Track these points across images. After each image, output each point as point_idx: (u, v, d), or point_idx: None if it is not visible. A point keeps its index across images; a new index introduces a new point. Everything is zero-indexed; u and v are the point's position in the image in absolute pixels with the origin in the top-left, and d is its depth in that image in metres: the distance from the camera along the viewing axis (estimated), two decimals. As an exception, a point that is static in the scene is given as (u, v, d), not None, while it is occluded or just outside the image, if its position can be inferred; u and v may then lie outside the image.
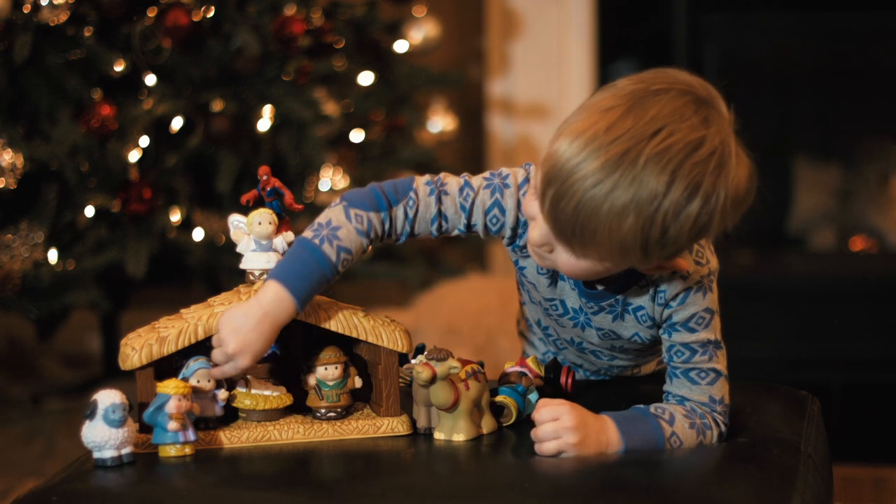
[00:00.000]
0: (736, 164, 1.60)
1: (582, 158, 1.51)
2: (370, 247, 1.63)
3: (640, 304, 1.68)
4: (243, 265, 1.60)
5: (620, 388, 1.82)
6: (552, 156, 1.53)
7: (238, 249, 1.61)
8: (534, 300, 1.77)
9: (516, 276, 1.76)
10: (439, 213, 1.64)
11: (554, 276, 1.71)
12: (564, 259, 1.58)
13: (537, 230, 1.59)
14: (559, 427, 1.54)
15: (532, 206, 1.59)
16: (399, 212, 1.62)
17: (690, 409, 1.63)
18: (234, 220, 1.61)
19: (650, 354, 1.83)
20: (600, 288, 1.69)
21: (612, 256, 1.53)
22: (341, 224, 1.58)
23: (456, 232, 1.67)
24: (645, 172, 1.49)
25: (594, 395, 1.78)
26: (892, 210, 3.64)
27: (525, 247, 1.67)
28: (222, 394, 1.59)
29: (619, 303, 1.69)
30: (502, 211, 1.67)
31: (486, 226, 1.67)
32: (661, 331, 1.68)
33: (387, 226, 1.61)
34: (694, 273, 1.64)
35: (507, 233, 1.68)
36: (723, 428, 1.62)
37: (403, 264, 3.26)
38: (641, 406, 1.63)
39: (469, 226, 1.66)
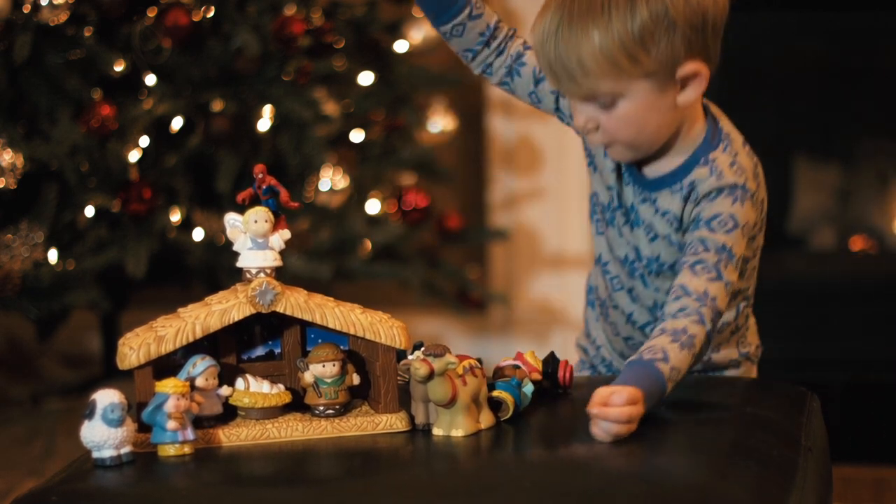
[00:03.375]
0: None
1: (543, 27, 1.76)
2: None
3: (667, 208, 1.81)
4: (240, 263, 1.61)
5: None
6: (533, 36, 1.78)
7: (235, 248, 1.61)
8: (601, 204, 1.92)
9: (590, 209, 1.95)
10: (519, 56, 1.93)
11: (618, 167, 1.87)
12: (605, 120, 1.76)
13: (576, 114, 1.78)
14: (635, 414, 1.57)
15: (562, 102, 1.86)
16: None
17: (675, 332, 1.68)
18: (231, 218, 1.61)
19: None
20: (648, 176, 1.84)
21: (607, 73, 1.72)
22: None
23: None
24: None
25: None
26: (893, 210, 3.64)
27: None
28: (225, 391, 1.60)
29: (651, 201, 1.83)
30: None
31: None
32: (687, 232, 1.79)
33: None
34: (728, 173, 1.77)
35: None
36: (709, 326, 1.70)
37: (403, 264, 3.26)
38: (635, 358, 1.66)
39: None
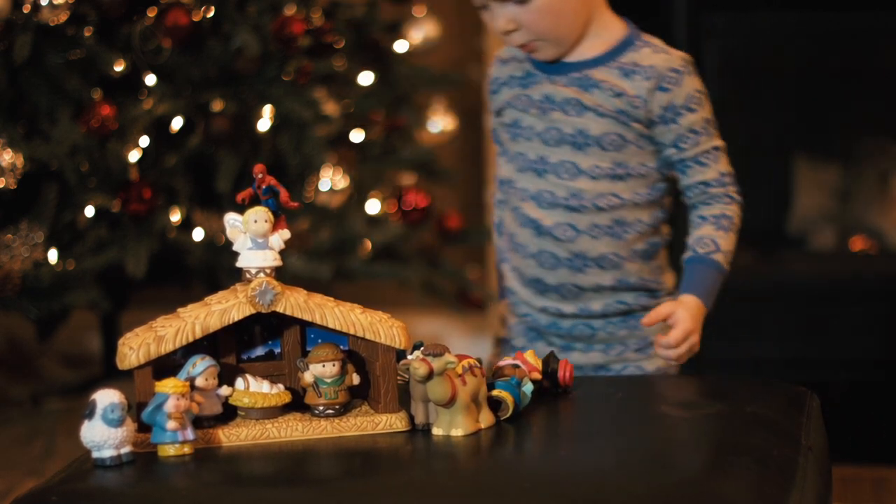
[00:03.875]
0: None
1: None
2: None
3: (607, 80, 1.92)
4: (240, 263, 1.60)
5: (626, 387, 1.82)
6: None
7: (234, 248, 1.61)
8: (508, 125, 2.01)
9: (501, 135, 2.06)
10: None
11: (523, 80, 1.98)
12: (526, 16, 1.87)
13: (497, 18, 1.89)
14: (694, 342, 1.90)
15: (485, 20, 1.93)
16: None
17: (716, 220, 1.95)
18: (230, 218, 1.61)
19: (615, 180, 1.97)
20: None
21: None
22: None
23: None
24: None
25: (596, 392, 1.79)
26: (892, 210, 3.64)
27: (500, 87, 2.02)
28: (225, 390, 1.60)
29: (583, 75, 1.93)
30: (490, 101, 2.06)
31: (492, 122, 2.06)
32: (664, 126, 1.92)
33: None
34: (673, 52, 1.94)
35: (493, 90, 2.04)
36: (737, 198, 1.98)
37: (403, 264, 3.26)
38: (691, 255, 1.94)
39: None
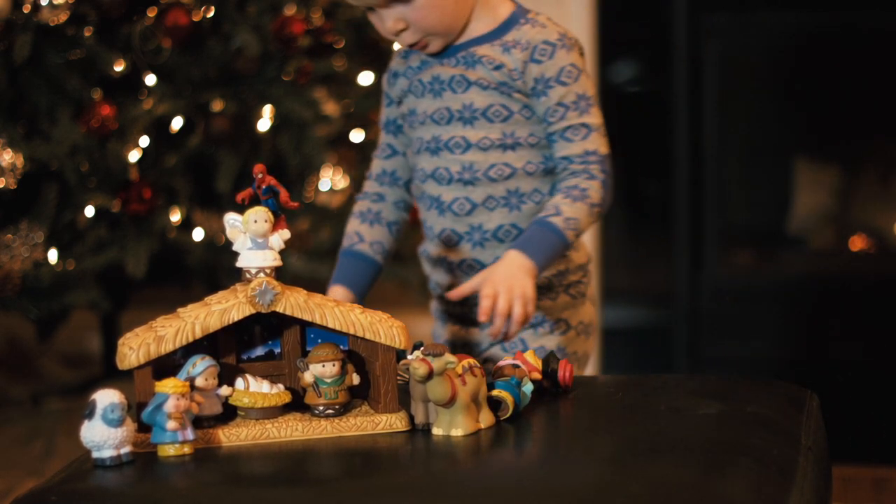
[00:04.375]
0: None
1: None
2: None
3: (488, 55, 1.94)
4: (240, 263, 1.60)
5: (626, 387, 1.82)
6: None
7: (234, 248, 1.61)
8: (408, 113, 2.03)
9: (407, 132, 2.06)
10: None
11: (417, 69, 2.00)
12: (412, 14, 1.89)
13: (385, 20, 1.91)
14: (515, 307, 1.82)
15: (375, 24, 1.93)
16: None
17: (567, 189, 1.93)
18: (230, 218, 1.61)
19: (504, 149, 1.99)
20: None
21: None
22: None
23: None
24: None
25: (596, 392, 1.79)
26: (893, 210, 3.64)
27: (397, 78, 2.03)
28: (224, 390, 1.60)
29: (468, 52, 1.95)
30: (384, 93, 2.07)
31: (386, 114, 2.08)
32: (537, 97, 1.94)
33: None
34: (551, 26, 1.96)
35: (392, 84, 2.05)
36: (599, 176, 1.95)
37: (403, 264, 3.26)
38: (535, 218, 1.91)
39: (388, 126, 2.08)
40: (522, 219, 1.98)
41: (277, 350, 1.66)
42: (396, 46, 2.09)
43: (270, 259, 1.60)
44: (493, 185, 1.98)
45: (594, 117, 1.97)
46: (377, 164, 2.11)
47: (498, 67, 1.95)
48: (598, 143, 1.97)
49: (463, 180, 1.98)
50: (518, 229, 1.98)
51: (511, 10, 2.00)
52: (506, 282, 1.83)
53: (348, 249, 2.08)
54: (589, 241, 3.67)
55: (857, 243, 3.65)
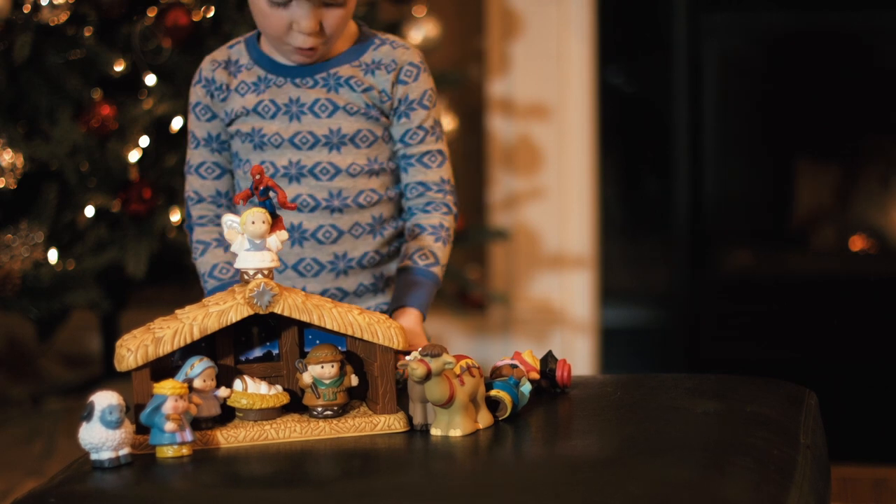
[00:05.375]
0: None
1: None
2: None
3: (353, 76, 1.93)
4: (238, 265, 1.60)
5: (624, 386, 1.82)
6: None
7: (232, 249, 1.61)
8: (247, 134, 1.96)
9: (234, 148, 1.99)
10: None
11: (258, 86, 1.94)
12: (332, 17, 1.87)
13: (305, 18, 1.85)
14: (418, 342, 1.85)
15: (273, 16, 1.87)
16: None
17: (434, 227, 1.95)
18: (228, 219, 1.61)
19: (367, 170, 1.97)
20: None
21: None
22: None
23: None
24: None
25: (595, 392, 1.79)
26: (892, 210, 3.64)
27: (229, 93, 1.95)
28: (223, 392, 1.60)
29: (330, 75, 1.93)
30: (196, 104, 1.97)
31: (206, 128, 1.98)
32: (395, 118, 1.95)
33: None
34: (413, 48, 1.97)
35: (218, 95, 1.96)
36: (455, 210, 1.98)
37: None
38: (411, 265, 1.93)
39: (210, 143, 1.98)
40: (383, 245, 1.98)
41: (275, 351, 1.66)
42: (232, 53, 1.99)
43: (268, 260, 1.60)
44: (361, 212, 1.96)
45: (446, 146, 2.00)
46: (208, 185, 1.99)
47: (367, 90, 1.93)
48: (450, 173, 2.00)
49: (331, 207, 1.94)
50: (380, 255, 1.98)
51: (356, 28, 1.99)
52: (420, 338, 1.88)
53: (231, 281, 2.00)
54: (589, 241, 3.67)
55: (857, 243, 3.65)
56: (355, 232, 1.96)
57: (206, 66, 1.98)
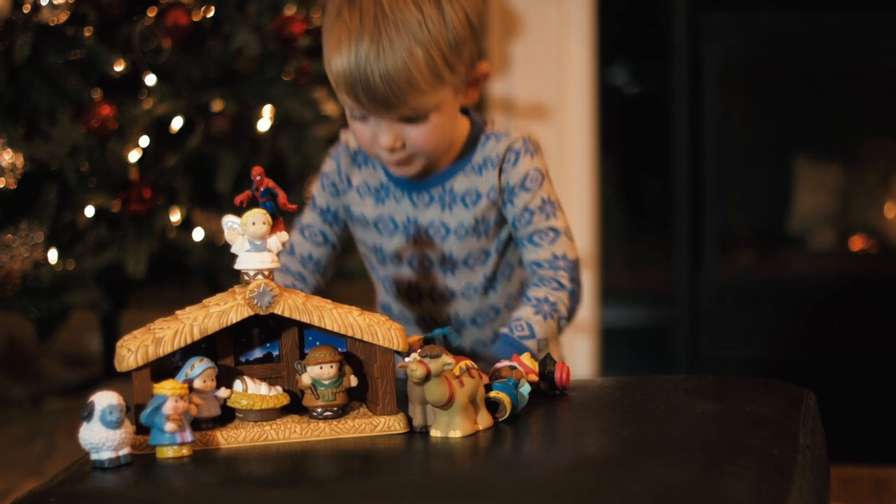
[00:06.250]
0: None
1: (355, 55, 1.80)
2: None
3: (467, 188, 1.92)
4: (238, 266, 1.60)
5: (623, 387, 1.82)
6: (336, 74, 1.83)
7: (233, 250, 1.61)
8: (371, 247, 2.00)
9: (361, 249, 2.04)
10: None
11: (379, 193, 1.96)
12: (415, 134, 1.85)
13: (382, 134, 1.85)
14: None
15: (356, 129, 1.88)
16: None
17: (537, 303, 1.89)
18: (228, 220, 1.61)
19: (479, 264, 1.98)
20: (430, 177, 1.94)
21: (431, 86, 1.82)
22: None
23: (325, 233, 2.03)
24: (397, 15, 1.80)
25: (594, 393, 1.79)
26: (892, 210, 3.64)
27: (350, 187, 1.97)
28: (223, 392, 1.60)
29: (446, 191, 1.92)
30: (326, 175, 1.99)
31: (327, 200, 2.00)
32: (504, 206, 1.93)
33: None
34: (512, 132, 1.94)
35: (341, 184, 1.98)
36: (569, 285, 1.91)
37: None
38: (507, 332, 1.87)
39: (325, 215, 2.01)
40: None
41: (276, 352, 1.66)
42: (348, 133, 1.98)
43: (269, 261, 1.60)
44: (479, 329, 2.00)
45: (561, 221, 1.96)
46: (304, 246, 2.03)
47: (476, 200, 1.93)
48: (566, 248, 1.95)
49: (452, 326, 1.97)
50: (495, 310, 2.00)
51: (468, 125, 1.97)
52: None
53: None
54: (589, 241, 3.67)
55: (857, 243, 3.65)
56: (476, 347, 2.00)
57: (342, 148, 2.00)
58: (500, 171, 1.92)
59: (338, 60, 1.82)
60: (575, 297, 1.93)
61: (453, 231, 1.93)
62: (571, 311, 1.92)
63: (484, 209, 1.93)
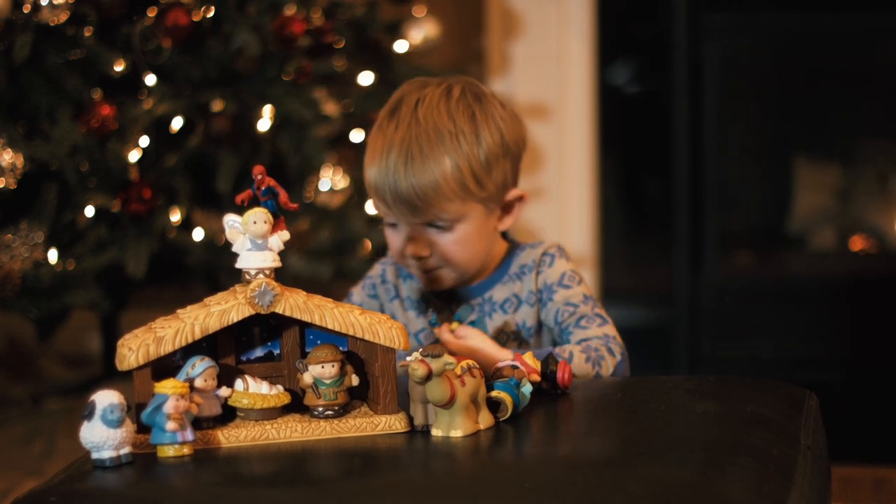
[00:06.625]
0: (492, 96, 1.95)
1: (386, 160, 1.87)
2: None
3: (507, 296, 1.95)
4: (239, 264, 1.60)
5: (624, 387, 1.82)
6: (369, 179, 1.91)
7: (234, 249, 1.61)
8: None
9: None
10: None
11: (420, 306, 2.00)
12: (442, 243, 1.89)
13: (409, 241, 1.90)
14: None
15: (388, 236, 1.93)
16: None
17: (587, 346, 1.87)
18: (230, 219, 1.61)
19: None
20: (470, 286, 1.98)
21: (457, 195, 1.86)
22: None
23: None
24: (430, 125, 1.86)
25: (595, 393, 1.79)
26: (892, 210, 3.64)
27: (396, 297, 2.01)
28: (224, 391, 1.60)
29: (485, 300, 1.97)
30: (370, 277, 2.05)
31: (362, 299, 2.04)
32: (542, 306, 1.94)
33: None
34: (546, 242, 1.98)
35: (386, 293, 2.03)
36: (619, 357, 1.88)
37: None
38: (548, 348, 1.89)
39: None
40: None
41: (277, 351, 1.66)
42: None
43: (270, 260, 1.60)
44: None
45: (603, 312, 1.95)
46: None
47: (518, 307, 1.96)
48: (616, 332, 1.93)
49: None
50: None
51: (506, 246, 2.01)
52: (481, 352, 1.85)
53: None
54: (589, 241, 3.67)
55: (857, 243, 3.66)
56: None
57: (389, 258, 2.04)
58: (537, 273, 1.95)
59: (371, 166, 1.90)
60: (620, 370, 1.90)
61: (493, 338, 1.94)
62: (608, 371, 1.88)
63: (524, 314, 1.96)
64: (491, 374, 1.69)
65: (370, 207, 3.24)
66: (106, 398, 1.50)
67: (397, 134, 1.88)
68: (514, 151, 1.94)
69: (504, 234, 2.02)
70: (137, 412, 1.54)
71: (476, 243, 1.92)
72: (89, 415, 1.50)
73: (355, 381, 1.63)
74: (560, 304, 1.93)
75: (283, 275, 1.63)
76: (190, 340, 1.56)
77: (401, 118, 1.90)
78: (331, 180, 3.14)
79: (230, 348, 1.64)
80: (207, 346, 1.61)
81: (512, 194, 1.96)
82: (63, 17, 2.72)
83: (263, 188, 1.61)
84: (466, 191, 1.87)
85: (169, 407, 1.51)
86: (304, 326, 1.65)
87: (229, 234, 1.61)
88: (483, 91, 1.95)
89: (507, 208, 1.97)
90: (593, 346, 1.88)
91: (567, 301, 1.93)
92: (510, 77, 3.70)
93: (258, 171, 1.61)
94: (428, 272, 1.94)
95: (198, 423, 1.57)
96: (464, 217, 1.89)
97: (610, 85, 3.68)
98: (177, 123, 2.91)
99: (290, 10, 3.00)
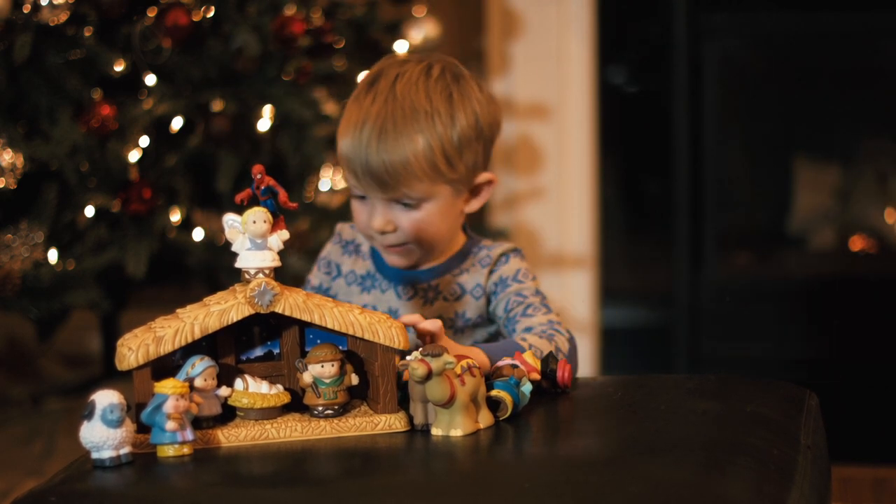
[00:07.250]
0: (471, 78, 1.97)
1: (360, 134, 1.87)
2: None
3: (452, 287, 1.96)
4: (239, 264, 1.60)
5: (625, 387, 1.82)
6: (341, 151, 1.90)
7: (233, 248, 1.61)
8: None
9: None
10: None
11: (365, 282, 1.99)
12: (407, 220, 1.90)
13: (376, 215, 1.90)
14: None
15: (355, 208, 1.93)
16: None
17: (541, 330, 1.87)
18: (229, 219, 1.61)
19: None
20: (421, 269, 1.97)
21: (427, 175, 1.87)
22: None
23: None
24: (406, 102, 1.87)
25: (595, 392, 1.79)
26: (893, 210, 3.64)
27: (339, 275, 2.01)
28: (224, 391, 1.60)
29: (430, 287, 1.97)
30: (323, 258, 2.03)
31: (321, 279, 2.02)
32: (490, 298, 1.95)
33: None
34: (503, 242, 2.00)
35: (332, 271, 2.02)
36: (566, 335, 1.88)
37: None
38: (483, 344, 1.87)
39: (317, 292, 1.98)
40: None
41: (276, 351, 1.66)
42: (358, 236, 2.02)
43: (269, 260, 1.60)
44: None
45: (553, 310, 1.95)
46: None
47: (460, 296, 1.96)
48: (562, 321, 1.94)
49: None
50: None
51: (464, 238, 2.01)
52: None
53: None
54: (589, 241, 3.67)
55: (857, 243, 3.66)
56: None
57: (335, 237, 2.05)
58: (490, 271, 1.96)
59: (345, 137, 1.89)
60: (572, 345, 1.90)
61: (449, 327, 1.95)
62: (569, 355, 1.87)
63: (466, 305, 1.96)
64: (491, 373, 1.69)
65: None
66: (106, 398, 1.50)
67: (373, 107, 1.88)
68: (488, 135, 1.95)
69: (464, 228, 2.02)
70: (137, 412, 1.54)
71: (441, 223, 1.93)
72: (89, 415, 1.50)
73: (355, 380, 1.63)
74: (511, 295, 1.94)
75: (282, 274, 1.63)
76: (190, 340, 1.56)
77: (378, 91, 1.90)
78: (331, 180, 3.14)
79: (230, 348, 1.64)
80: (207, 345, 1.61)
81: (481, 178, 1.96)
82: (63, 17, 2.72)
83: (263, 187, 1.61)
84: (436, 171, 1.88)
85: (169, 407, 1.51)
86: (303, 326, 1.65)
87: (229, 233, 1.61)
88: (462, 72, 1.97)
89: (475, 191, 1.97)
90: (541, 329, 1.89)
91: (518, 292, 1.94)
92: (510, 77, 3.70)
93: (257, 171, 1.61)
94: (391, 247, 1.94)
95: (198, 423, 1.57)
96: (431, 197, 1.90)
97: (610, 85, 3.68)
98: (177, 123, 2.91)
99: (290, 10, 3.00)
